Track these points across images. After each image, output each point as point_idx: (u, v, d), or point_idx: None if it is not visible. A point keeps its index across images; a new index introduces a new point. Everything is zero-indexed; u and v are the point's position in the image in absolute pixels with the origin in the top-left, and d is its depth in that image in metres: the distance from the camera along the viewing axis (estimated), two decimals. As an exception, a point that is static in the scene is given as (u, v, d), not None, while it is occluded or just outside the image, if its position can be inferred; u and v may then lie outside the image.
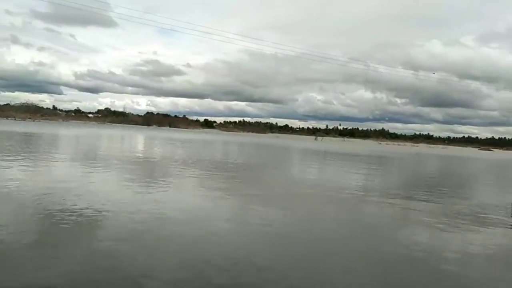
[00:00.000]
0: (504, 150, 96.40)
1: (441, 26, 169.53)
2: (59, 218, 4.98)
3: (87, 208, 5.62)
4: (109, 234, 4.53)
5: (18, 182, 7.42)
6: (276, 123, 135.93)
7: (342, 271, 3.91)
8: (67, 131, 36.87)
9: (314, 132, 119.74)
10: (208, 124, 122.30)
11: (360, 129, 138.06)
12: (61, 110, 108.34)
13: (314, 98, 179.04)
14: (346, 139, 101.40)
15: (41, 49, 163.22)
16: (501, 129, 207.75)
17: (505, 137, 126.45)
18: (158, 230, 4.79)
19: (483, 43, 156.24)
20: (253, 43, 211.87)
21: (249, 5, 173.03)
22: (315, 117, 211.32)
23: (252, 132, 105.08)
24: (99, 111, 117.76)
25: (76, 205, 5.76)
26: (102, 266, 3.52)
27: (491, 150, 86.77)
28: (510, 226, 6.65)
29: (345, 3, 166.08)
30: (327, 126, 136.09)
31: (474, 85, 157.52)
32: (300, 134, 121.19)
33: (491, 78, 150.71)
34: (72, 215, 5.16)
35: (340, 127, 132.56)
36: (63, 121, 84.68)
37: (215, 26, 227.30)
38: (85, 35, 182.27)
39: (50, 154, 13.83)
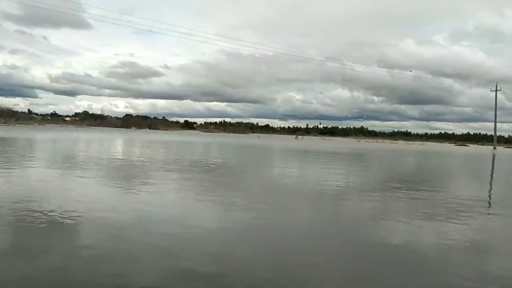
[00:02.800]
0: (479, 145, 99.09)
1: (413, 25, 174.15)
2: (32, 224, 4.79)
3: (63, 213, 5.44)
4: (86, 239, 4.39)
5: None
6: (257, 123, 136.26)
7: (320, 267, 3.88)
8: (44, 135, 35.94)
9: (294, 131, 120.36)
10: (188, 125, 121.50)
11: (339, 127, 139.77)
12: (36, 114, 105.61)
13: (293, 97, 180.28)
14: (326, 137, 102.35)
15: (13, 51, 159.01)
16: (475, 124, 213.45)
17: (479, 133, 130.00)
18: (136, 233, 4.67)
19: (454, 42, 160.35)
20: (231, 43, 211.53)
21: (225, 5, 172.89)
22: (295, 117, 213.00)
23: (233, 132, 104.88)
24: (76, 114, 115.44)
25: (50, 210, 5.56)
26: (80, 272, 3.38)
27: (467, 145, 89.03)
28: (487, 218, 6.79)
29: (320, 4, 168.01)
30: (307, 125, 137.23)
31: (447, 82, 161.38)
32: (281, 134, 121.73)
33: (463, 76, 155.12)
34: (46, 221, 4.98)
35: (320, 126, 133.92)
36: (39, 125, 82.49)
37: (192, 27, 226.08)
38: (59, 37, 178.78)
39: (24, 158, 13.42)
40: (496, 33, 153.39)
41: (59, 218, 5.05)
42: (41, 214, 5.20)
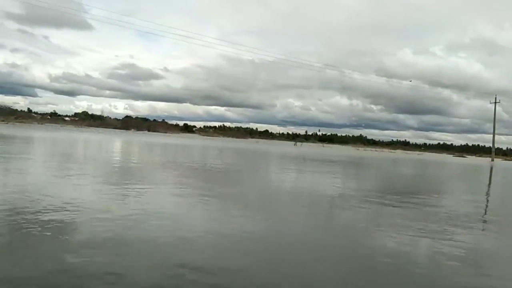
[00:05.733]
0: (477, 156, 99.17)
1: (410, 36, 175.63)
2: (25, 225, 4.79)
3: (57, 213, 5.43)
4: (81, 241, 4.38)
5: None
6: (256, 128, 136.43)
7: (315, 275, 3.88)
8: (42, 134, 35.91)
9: (293, 137, 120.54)
10: (187, 129, 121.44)
11: (338, 135, 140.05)
12: (36, 113, 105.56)
13: (292, 104, 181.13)
14: (325, 145, 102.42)
15: (14, 50, 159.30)
16: (473, 136, 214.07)
17: (478, 144, 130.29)
18: (132, 236, 4.66)
19: (451, 53, 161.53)
20: (231, 48, 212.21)
21: (227, 11, 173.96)
22: (294, 123, 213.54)
23: (232, 137, 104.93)
24: (76, 114, 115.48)
25: (45, 210, 5.56)
26: (73, 275, 3.38)
27: (465, 157, 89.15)
28: (481, 230, 6.79)
29: (320, 12, 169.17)
30: (306, 132, 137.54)
31: (445, 93, 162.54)
32: (279, 140, 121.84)
33: (460, 87, 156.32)
34: (40, 222, 4.97)
35: (319, 133, 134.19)
36: (39, 124, 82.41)
37: (193, 30, 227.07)
38: (60, 37, 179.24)
39: (21, 157, 13.40)
40: (493, 45, 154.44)
41: (51, 220, 5.05)
42: (35, 215, 5.20)
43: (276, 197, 9.20)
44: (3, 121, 71.13)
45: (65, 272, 3.42)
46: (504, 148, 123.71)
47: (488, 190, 16.29)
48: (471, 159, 75.52)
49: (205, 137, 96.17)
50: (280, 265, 4.10)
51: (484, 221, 7.97)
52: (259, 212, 6.85)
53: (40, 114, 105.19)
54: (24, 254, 3.80)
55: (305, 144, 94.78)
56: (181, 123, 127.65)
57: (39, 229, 4.63)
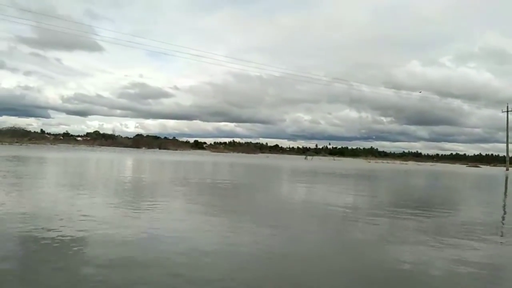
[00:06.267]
0: (491, 166, 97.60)
1: (418, 48, 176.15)
2: (39, 244, 4.82)
3: (72, 233, 5.46)
4: (94, 259, 4.39)
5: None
6: (267, 143, 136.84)
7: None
8: (55, 155, 36.40)
9: (304, 151, 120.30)
10: (198, 145, 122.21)
11: (349, 148, 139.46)
12: (49, 134, 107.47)
13: (301, 118, 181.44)
14: (336, 158, 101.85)
15: (27, 73, 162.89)
16: (486, 145, 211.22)
17: (491, 154, 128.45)
18: (146, 255, 4.66)
19: (460, 63, 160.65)
20: (239, 65, 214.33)
21: (234, 29, 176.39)
22: (304, 137, 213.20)
23: (243, 152, 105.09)
24: (88, 134, 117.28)
25: (58, 230, 5.60)
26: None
27: (479, 167, 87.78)
28: (499, 243, 6.63)
29: (326, 26, 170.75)
30: (316, 145, 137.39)
31: (455, 103, 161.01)
32: (290, 154, 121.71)
33: (471, 96, 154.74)
34: (54, 241, 5.00)
35: (330, 146, 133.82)
36: (52, 144, 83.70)
37: (202, 49, 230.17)
38: (71, 59, 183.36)
39: (36, 177, 13.57)
40: (502, 54, 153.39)
41: (61, 237, 5.07)
42: (48, 233, 5.23)
43: (288, 211, 9.12)
44: (17, 142, 72.38)
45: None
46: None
47: (505, 200, 15.94)
48: (485, 169, 74.31)
49: (216, 153, 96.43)
50: (290, 279, 4.04)
51: (502, 233, 7.78)
52: (272, 227, 6.79)
53: (53, 134, 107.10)
54: (38, 268, 3.81)
55: (315, 157, 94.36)
56: (191, 140, 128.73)
57: (52, 245, 4.65)
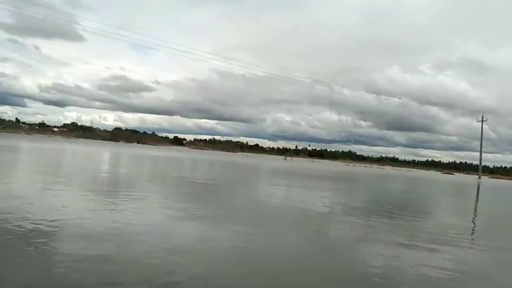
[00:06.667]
0: (465, 173, 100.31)
1: (400, 54, 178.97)
2: (9, 236, 4.67)
3: (42, 225, 5.31)
4: (65, 253, 4.28)
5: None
6: (247, 142, 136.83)
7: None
8: (29, 145, 35.41)
9: (284, 152, 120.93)
10: (177, 142, 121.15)
11: (328, 150, 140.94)
12: (24, 123, 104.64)
13: (282, 118, 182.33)
14: (315, 160, 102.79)
15: (4, 60, 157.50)
16: (460, 153, 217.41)
17: (466, 162, 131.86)
18: (118, 249, 4.57)
19: (439, 71, 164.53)
20: (223, 62, 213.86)
21: (220, 26, 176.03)
22: (284, 137, 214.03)
23: (222, 150, 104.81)
24: (65, 125, 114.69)
25: (28, 221, 5.44)
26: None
27: (453, 174, 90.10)
28: (467, 247, 6.81)
29: (310, 29, 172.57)
30: (296, 146, 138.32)
31: (433, 110, 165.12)
32: (270, 154, 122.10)
33: (448, 104, 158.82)
34: (23, 233, 4.86)
35: (309, 148, 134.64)
36: (26, 134, 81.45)
37: (186, 44, 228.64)
38: (51, 47, 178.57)
39: (5, 167, 13.16)
40: (480, 65, 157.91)
41: (35, 230, 4.93)
42: (19, 226, 5.08)
43: (266, 211, 9.13)
44: (-11, 130, 70.16)
45: (49, 283, 3.33)
46: (491, 166, 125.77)
47: (476, 206, 16.42)
48: (458, 176, 76.32)
49: (195, 150, 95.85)
50: (266, 277, 4.05)
51: (471, 237, 8.00)
52: (248, 227, 6.79)
53: (28, 124, 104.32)
54: (7, 265, 3.69)
55: (295, 158, 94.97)
56: (171, 136, 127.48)
57: (23, 239, 4.52)
